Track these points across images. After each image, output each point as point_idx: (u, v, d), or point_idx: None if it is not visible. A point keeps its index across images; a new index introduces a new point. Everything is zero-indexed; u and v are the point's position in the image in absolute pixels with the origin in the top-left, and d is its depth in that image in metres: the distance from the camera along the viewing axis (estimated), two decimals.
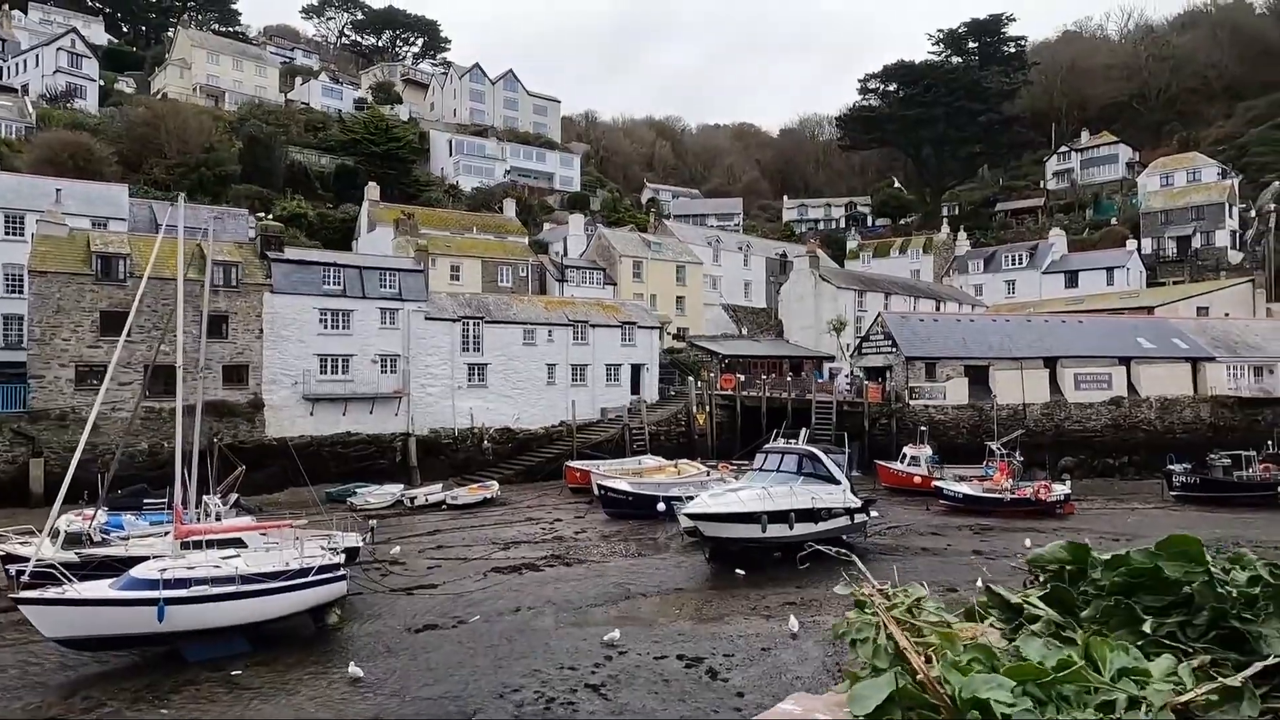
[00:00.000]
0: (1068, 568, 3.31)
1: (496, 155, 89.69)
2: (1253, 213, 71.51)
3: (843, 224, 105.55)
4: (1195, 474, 37.34)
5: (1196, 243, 72.11)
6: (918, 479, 38.25)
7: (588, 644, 17.18)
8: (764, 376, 50.17)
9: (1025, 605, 3.14)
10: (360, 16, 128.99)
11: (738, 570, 23.58)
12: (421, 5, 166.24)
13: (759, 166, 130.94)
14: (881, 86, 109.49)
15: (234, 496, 25.63)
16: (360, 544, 22.68)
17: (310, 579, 17.75)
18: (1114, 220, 79.58)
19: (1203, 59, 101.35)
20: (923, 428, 42.08)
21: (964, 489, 34.75)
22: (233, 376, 37.54)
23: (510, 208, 70.18)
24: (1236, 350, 49.61)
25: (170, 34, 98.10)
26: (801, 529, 25.32)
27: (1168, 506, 36.51)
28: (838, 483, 26.90)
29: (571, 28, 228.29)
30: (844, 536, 27.34)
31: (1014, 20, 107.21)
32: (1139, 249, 72.23)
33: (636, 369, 48.39)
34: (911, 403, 45.97)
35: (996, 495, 34.01)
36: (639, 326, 48.73)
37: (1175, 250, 72.92)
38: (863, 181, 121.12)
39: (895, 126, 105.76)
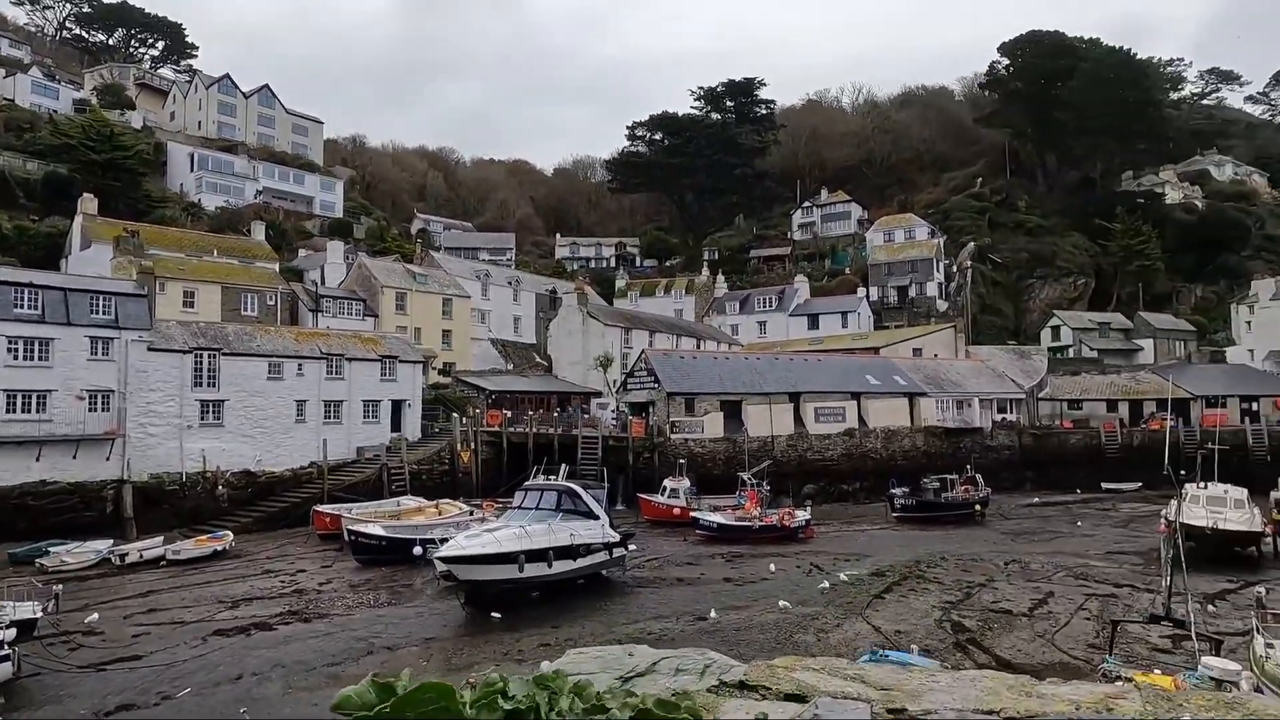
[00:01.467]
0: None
1: (247, 173, 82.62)
2: (955, 268, 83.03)
3: (613, 263, 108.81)
4: (912, 496, 41.97)
5: (913, 292, 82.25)
6: (677, 510, 39.53)
7: (319, 710, 15.57)
8: (531, 412, 49.83)
9: None
10: (87, 9, 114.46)
11: (494, 614, 22.77)
12: (166, 5, 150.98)
13: (533, 203, 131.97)
14: (648, 134, 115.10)
15: None
16: (38, 614, 19.16)
17: None
18: (848, 269, 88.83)
19: (916, 134, 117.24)
20: (682, 460, 43.76)
21: (718, 519, 36.42)
22: None
23: (260, 230, 64.65)
24: (943, 386, 56.83)
25: None
26: (560, 566, 25.07)
27: (890, 526, 40.65)
28: (597, 518, 27.00)
29: (346, 55, 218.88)
30: (603, 572, 27.49)
31: (765, 85, 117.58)
32: (868, 296, 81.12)
33: (397, 405, 46.08)
34: (672, 436, 47.73)
35: (747, 523, 35.97)
36: (401, 361, 46.56)
37: (896, 298, 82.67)
38: (632, 223, 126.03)
39: (661, 173, 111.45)
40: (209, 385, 39.07)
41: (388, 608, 24.64)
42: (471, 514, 34.75)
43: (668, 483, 41.45)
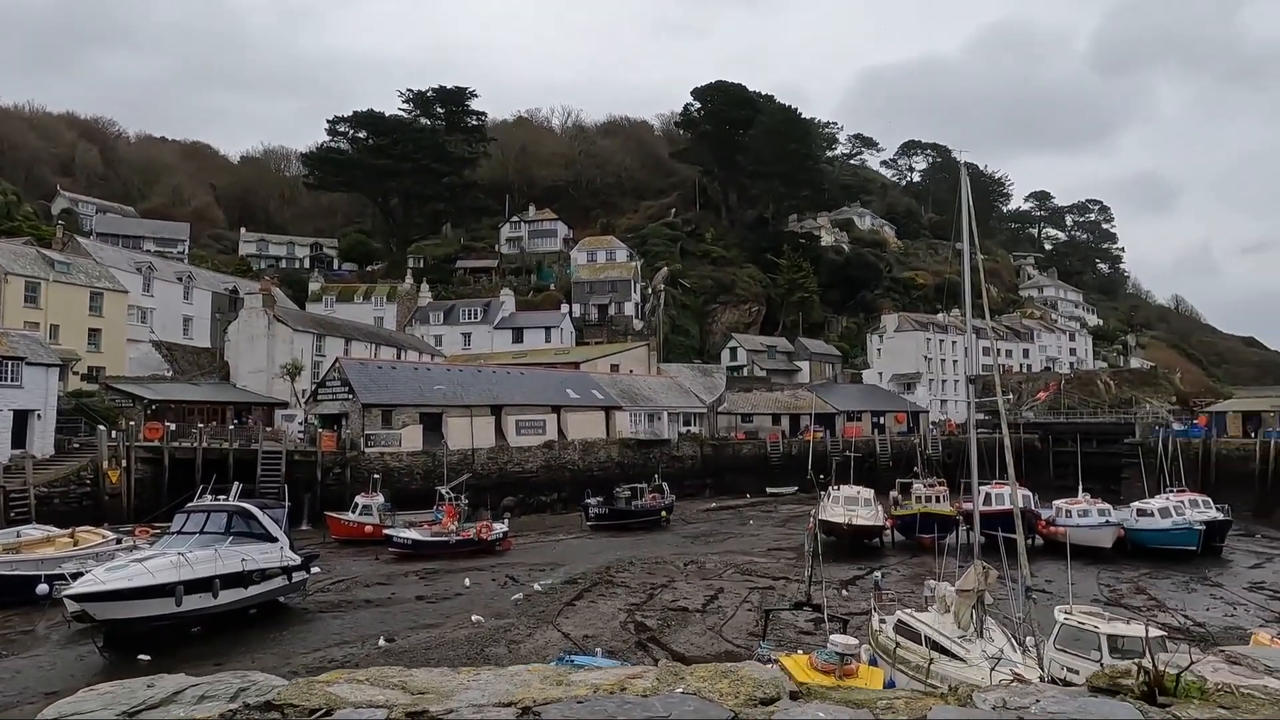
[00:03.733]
0: None
1: None
2: (650, 290, 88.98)
3: (307, 264, 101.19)
4: (605, 505, 44.02)
5: (612, 310, 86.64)
6: (369, 528, 37.62)
7: None
8: (202, 425, 44.47)
9: None
10: None
11: (141, 656, 19.84)
12: None
13: (214, 191, 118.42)
14: (352, 131, 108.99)
15: None
16: None
17: None
18: (552, 286, 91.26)
19: (619, 161, 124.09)
20: (376, 475, 41.74)
21: (413, 535, 35.27)
22: None
23: None
24: (637, 400, 60.47)
25: None
26: (229, 596, 22.61)
27: (585, 535, 42.26)
28: (275, 540, 24.75)
29: None
30: (281, 599, 25.29)
31: (477, 96, 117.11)
32: (570, 312, 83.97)
33: (22, 416, 38.51)
34: (367, 450, 45.37)
35: (443, 538, 35.26)
36: (27, 363, 39.00)
37: (597, 315, 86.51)
38: (332, 224, 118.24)
39: (364, 174, 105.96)
40: None
41: None
42: (119, 542, 29.99)
43: (360, 499, 39.29)
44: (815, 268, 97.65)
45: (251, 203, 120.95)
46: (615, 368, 67.25)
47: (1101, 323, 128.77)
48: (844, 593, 28.29)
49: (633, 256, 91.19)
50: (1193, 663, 2.73)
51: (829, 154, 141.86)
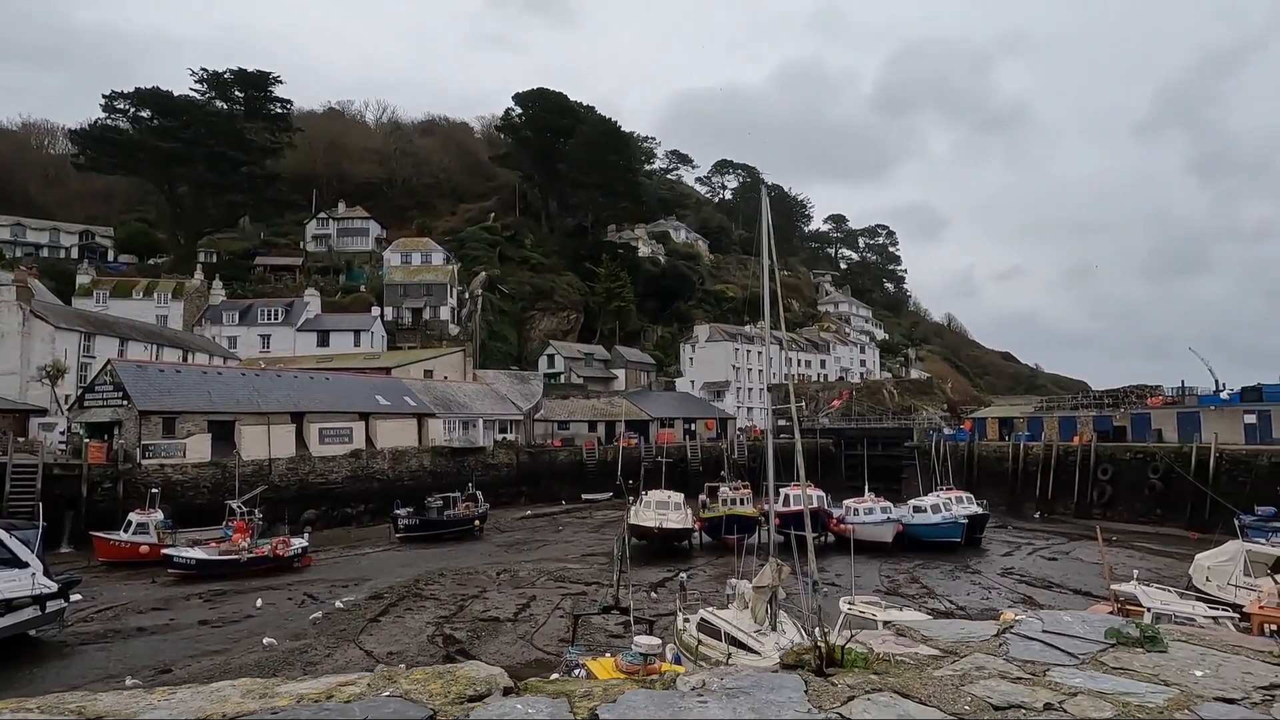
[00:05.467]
0: None
1: None
2: (467, 295, 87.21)
3: (75, 254, 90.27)
4: (416, 516, 42.55)
5: (427, 314, 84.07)
6: (145, 548, 34.03)
7: None
8: None
9: None
10: None
11: None
12: None
13: None
14: (133, 110, 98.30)
15: None
16: None
17: None
18: (363, 287, 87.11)
19: (437, 162, 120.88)
20: (155, 490, 37.84)
21: (198, 554, 32.35)
22: None
23: None
24: (451, 408, 58.99)
25: None
26: None
27: (394, 547, 40.61)
28: (25, 565, 21.81)
29: None
30: (32, 631, 22.34)
31: (282, 82, 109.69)
32: (382, 315, 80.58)
33: None
34: (144, 462, 41.05)
35: (234, 556, 32.61)
36: None
37: (411, 319, 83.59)
38: (107, 211, 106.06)
39: (148, 157, 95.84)
40: None
41: None
42: None
43: (134, 517, 35.43)
44: (633, 277, 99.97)
45: (6, 181, 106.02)
46: (429, 373, 65.25)
47: (887, 337, 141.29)
48: (653, 595, 29.09)
49: (450, 260, 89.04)
50: (853, 637, 3.14)
51: (647, 168, 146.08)
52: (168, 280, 79.03)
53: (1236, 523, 31.09)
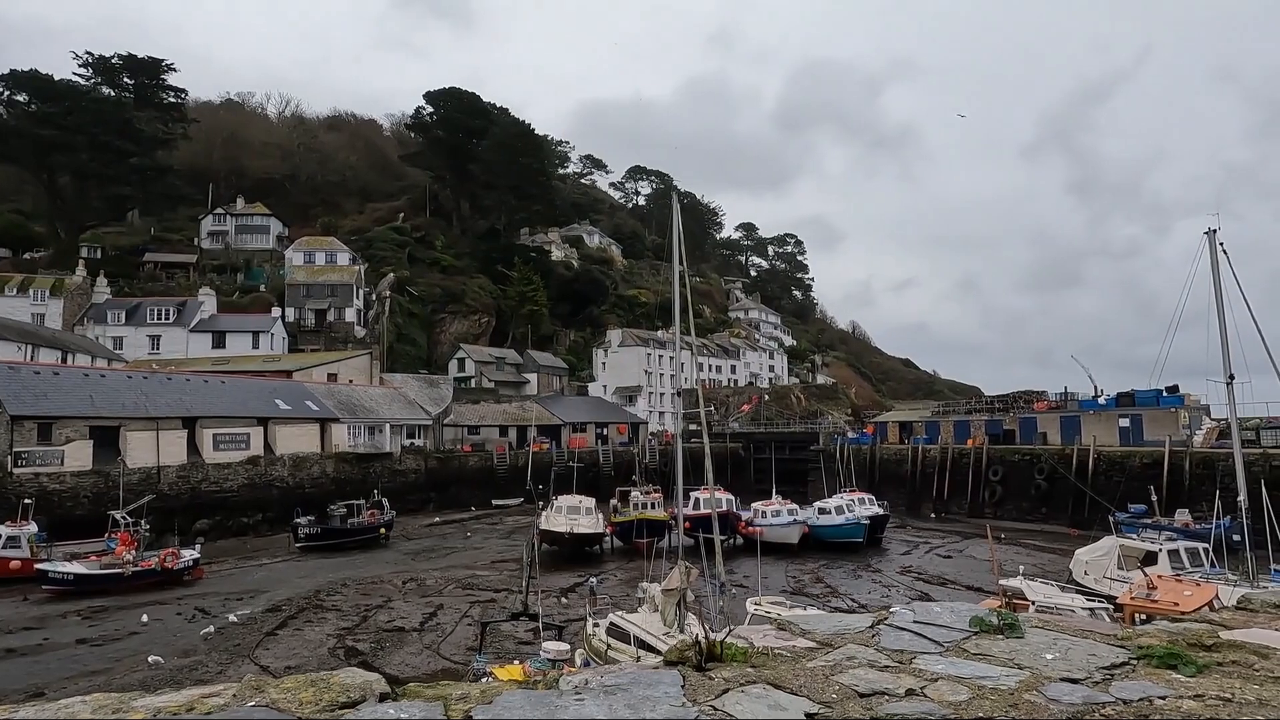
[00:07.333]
0: None
1: None
2: (374, 296, 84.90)
3: None
4: (318, 524, 41.13)
5: (331, 316, 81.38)
6: (16, 564, 31.78)
7: None
8: None
9: None
10: None
11: None
12: None
13: None
14: (8, 94, 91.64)
15: None
16: None
17: None
18: (263, 287, 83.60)
19: (344, 159, 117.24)
20: (28, 500, 35.35)
21: (76, 568, 30.40)
22: None
23: None
24: (356, 412, 57.29)
25: None
26: None
27: (294, 557, 39.12)
28: None
29: None
30: None
31: (175, 70, 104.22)
32: (283, 316, 77.52)
33: None
34: (17, 471, 38.32)
35: (117, 570, 30.79)
36: None
37: (314, 321, 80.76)
38: None
39: (24, 144, 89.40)
40: None
41: None
42: None
43: (3, 529, 33.02)
44: (545, 281, 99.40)
45: None
46: (333, 377, 63.22)
47: (795, 343, 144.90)
48: (564, 600, 28.97)
49: (356, 260, 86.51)
50: (730, 631, 3.26)
51: (561, 171, 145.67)
52: (45, 276, 73.98)
53: (1111, 520, 33.28)
